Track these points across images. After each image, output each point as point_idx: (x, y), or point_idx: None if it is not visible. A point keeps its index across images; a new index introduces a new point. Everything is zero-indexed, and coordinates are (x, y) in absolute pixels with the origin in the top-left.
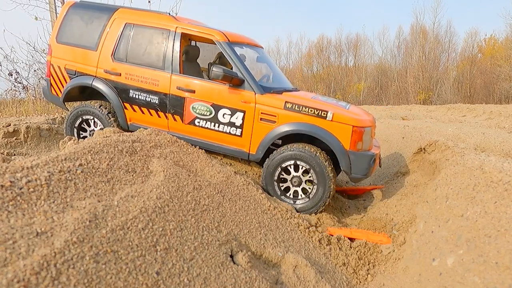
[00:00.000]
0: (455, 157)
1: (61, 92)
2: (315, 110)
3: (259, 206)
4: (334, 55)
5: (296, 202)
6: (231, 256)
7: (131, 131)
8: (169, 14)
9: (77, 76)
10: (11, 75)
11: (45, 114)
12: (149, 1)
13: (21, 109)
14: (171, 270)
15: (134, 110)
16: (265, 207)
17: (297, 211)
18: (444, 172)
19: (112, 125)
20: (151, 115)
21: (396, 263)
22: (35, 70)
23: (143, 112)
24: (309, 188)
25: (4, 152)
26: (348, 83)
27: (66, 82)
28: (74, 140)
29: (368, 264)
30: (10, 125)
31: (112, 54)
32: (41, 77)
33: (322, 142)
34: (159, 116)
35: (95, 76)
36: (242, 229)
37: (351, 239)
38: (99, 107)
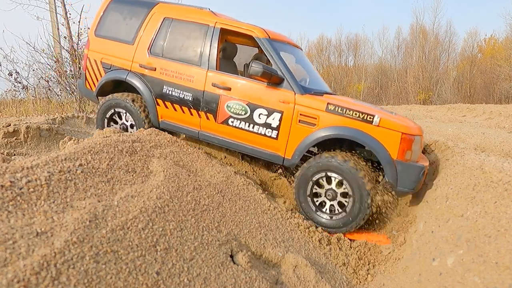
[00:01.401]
0: (455, 157)
1: (95, 86)
2: (360, 114)
3: (259, 206)
4: (334, 55)
5: (333, 218)
6: (231, 256)
7: (162, 129)
8: (209, 9)
9: (112, 70)
10: (11, 75)
11: (45, 114)
12: None
13: (21, 109)
14: (171, 270)
15: (166, 107)
16: (265, 207)
17: (333, 228)
18: (444, 172)
19: (143, 121)
20: (183, 112)
21: (396, 263)
22: (34, 70)
23: (175, 109)
24: (345, 201)
25: (4, 152)
26: (348, 83)
27: (101, 76)
28: (74, 140)
29: (368, 264)
30: (10, 125)
31: (148, 49)
32: (41, 77)
33: (364, 150)
34: (191, 114)
35: (130, 71)
36: (242, 229)
37: (351, 239)
38: (132, 101)
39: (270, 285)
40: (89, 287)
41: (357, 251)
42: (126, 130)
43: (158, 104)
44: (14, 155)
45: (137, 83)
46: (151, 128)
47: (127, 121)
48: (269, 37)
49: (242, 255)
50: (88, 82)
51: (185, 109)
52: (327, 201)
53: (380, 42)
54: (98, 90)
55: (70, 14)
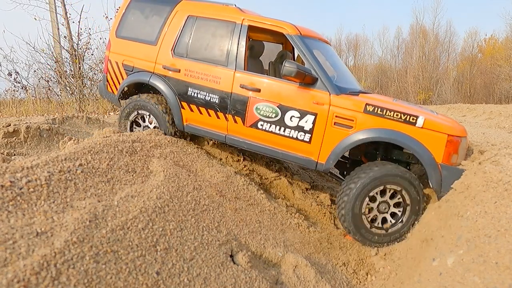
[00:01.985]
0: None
1: (117, 89)
2: (402, 115)
3: (259, 206)
4: None
5: (389, 231)
6: (231, 256)
7: (187, 133)
8: (235, 5)
9: (134, 73)
10: (11, 75)
11: (45, 114)
12: None
13: (21, 109)
14: (171, 270)
15: (192, 110)
16: (265, 207)
17: (388, 241)
18: None
19: (167, 124)
20: (210, 116)
21: (396, 263)
22: (35, 70)
23: (201, 113)
24: (398, 211)
25: (4, 152)
26: None
27: (123, 79)
28: (74, 140)
29: (369, 263)
30: (10, 125)
31: (172, 49)
32: (41, 77)
33: (400, 154)
34: (218, 118)
35: (153, 73)
36: (242, 229)
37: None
38: (156, 103)
39: (270, 285)
40: (89, 287)
41: (357, 251)
42: None
43: (183, 107)
44: (14, 155)
45: (160, 85)
46: (151, 128)
47: (150, 124)
48: (301, 33)
49: (242, 255)
50: (110, 85)
51: (212, 112)
52: (379, 214)
53: (380, 42)
54: (120, 93)
55: (70, 14)
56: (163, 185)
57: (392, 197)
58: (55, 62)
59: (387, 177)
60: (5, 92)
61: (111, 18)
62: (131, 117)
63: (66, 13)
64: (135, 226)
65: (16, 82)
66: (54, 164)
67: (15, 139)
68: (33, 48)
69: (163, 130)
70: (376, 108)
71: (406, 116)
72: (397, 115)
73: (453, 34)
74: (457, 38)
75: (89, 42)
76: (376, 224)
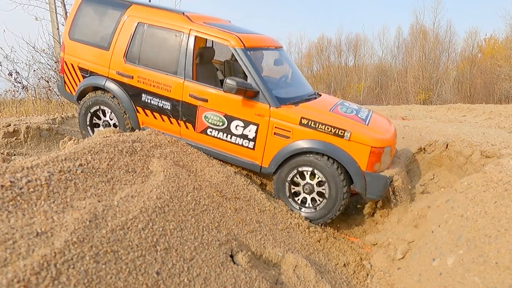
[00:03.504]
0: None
1: (74, 90)
2: (332, 128)
3: (259, 206)
4: (334, 55)
5: (302, 210)
6: (231, 256)
7: None
8: (184, 13)
9: (90, 76)
10: (11, 75)
11: (45, 114)
12: (149, 1)
13: (21, 109)
14: (171, 270)
15: (147, 115)
16: (265, 207)
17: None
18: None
19: (126, 121)
20: (163, 121)
21: (396, 263)
22: (35, 70)
23: (155, 117)
24: (319, 200)
25: (4, 152)
26: (348, 83)
27: (80, 81)
28: (74, 140)
29: (369, 264)
30: (10, 125)
31: (124, 55)
32: (41, 77)
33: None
34: (171, 123)
35: (108, 77)
36: (242, 229)
37: (351, 240)
38: (118, 103)
39: (270, 285)
40: (89, 287)
41: (357, 252)
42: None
43: (138, 112)
44: (14, 155)
45: (115, 90)
46: (151, 128)
47: (111, 119)
48: (245, 46)
49: (242, 255)
50: (67, 86)
51: (165, 117)
52: (302, 193)
53: (380, 42)
54: (78, 95)
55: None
56: (163, 185)
57: (313, 179)
58: (55, 62)
59: (318, 164)
60: (5, 92)
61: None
62: (93, 110)
63: (66, 13)
64: (135, 226)
65: (16, 82)
66: (54, 164)
67: (15, 139)
68: (33, 48)
69: (121, 127)
70: (310, 122)
71: (335, 129)
72: (327, 128)
73: (453, 34)
74: (457, 38)
75: None
76: (296, 199)
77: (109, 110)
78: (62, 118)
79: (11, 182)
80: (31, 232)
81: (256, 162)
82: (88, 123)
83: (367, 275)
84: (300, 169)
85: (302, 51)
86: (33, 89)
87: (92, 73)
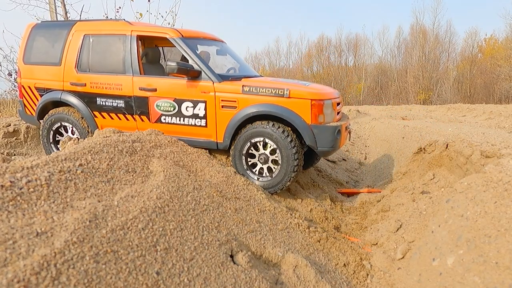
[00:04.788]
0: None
1: (34, 110)
2: (272, 90)
3: (259, 206)
4: (334, 55)
5: (260, 179)
6: (231, 256)
7: None
8: (124, 20)
9: (46, 93)
10: (11, 75)
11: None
12: (149, 0)
13: None
14: (171, 270)
15: (104, 117)
16: (265, 207)
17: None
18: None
19: (86, 131)
20: (120, 119)
21: (396, 263)
22: (17, 83)
23: (112, 118)
24: (274, 168)
25: (4, 152)
26: (348, 83)
27: (38, 100)
28: (74, 140)
29: (369, 264)
30: (10, 125)
31: (75, 66)
32: None
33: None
34: (127, 119)
35: (63, 90)
36: (242, 229)
37: (352, 240)
38: (72, 114)
39: (270, 285)
40: (89, 287)
41: (357, 252)
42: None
43: (95, 116)
44: (14, 155)
45: (72, 100)
46: (151, 128)
47: (73, 134)
48: (182, 36)
49: (242, 255)
50: (28, 109)
51: (121, 115)
52: (258, 164)
53: (380, 42)
54: (38, 113)
55: (70, 14)
56: (163, 185)
57: (266, 149)
58: None
59: (266, 132)
60: (5, 92)
61: (111, 18)
62: (54, 127)
63: (66, 13)
64: (135, 226)
65: (16, 82)
66: (54, 164)
67: (15, 139)
68: None
69: (82, 137)
70: (251, 88)
71: (275, 90)
72: (268, 90)
73: (453, 34)
74: (457, 38)
75: None
76: (253, 170)
77: (70, 126)
78: None
79: (11, 182)
80: (31, 232)
81: (211, 139)
82: (51, 140)
83: (367, 275)
84: (252, 140)
85: (302, 51)
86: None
87: (48, 90)
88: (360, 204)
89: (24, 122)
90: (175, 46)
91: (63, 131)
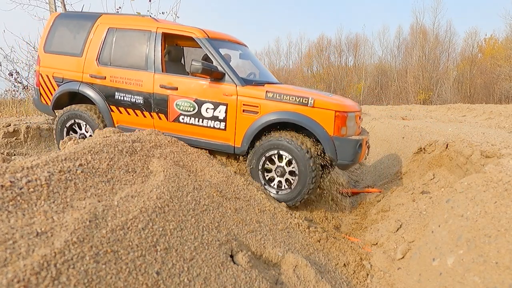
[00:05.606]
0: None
1: (50, 100)
2: (296, 98)
3: (259, 206)
4: (334, 55)
5: (279, 193)
6: (231, 256)
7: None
8: (150, 16)
9: (64, 83)
10: (11, 75)
11: (45, 114)
12: (149, 0)
13: (21, 109)
14: (171, 270)
15: (120, 112)
16: (265, 207)
17: (279, 201)
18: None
19: (99, 127)
20: (137, 115)
21: (396, 263)
22: (35, 70)
23: (128, 113)
24: (292, 179)
25: (4, 152)
26: (348, 83)
27: (55, 90)
28: (74, 140)
29: (369, 264)
30: (10, 125)
31: (96, 59)
32: None
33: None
34: (144, 116)
35: (82, 82)
36: (242, 229)
37: (352, 240)
38: (86, 111)
39: (270, 285)
40: (89, 287)
41: (357, 252)
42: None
43: (112, 110)
44: (14, 155)
45: (89, 92)
46: (151, 128)
47: (86, 132)
48: (208, 36)
49: (242, 255)
50: (43, 97)
51: (138, 112)
52: (276, 177)
53: (380, 42)
54: (54, 103)
55: None
56: (163, 185)
57: (281, 161)
58: None
59: (280, 143)
60: (5, 92)
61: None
62: (68, 125)
63: None
64: (135, 226)
65: (16, 82)
66: (54, 164)
67: (15, 139)
68: (33, 48)
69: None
70: (275, 94)
71: (299, 98)
72: (292, 98)
73: (453, 34)
74: (457, 38)
75: None
76: (272, 184)
77: (84, 123)
78: None
79: (11, 182)
80: (31, 232)
81: (229, 143)
82: (65, 131)
83: (367, 275)
84: (267, 154)
85: (302, 51)
86: (33, 89)
87: (66, 80)
88: (360, 204)
89: (25, 123)
90: (200, 47)
91: (77, 129)
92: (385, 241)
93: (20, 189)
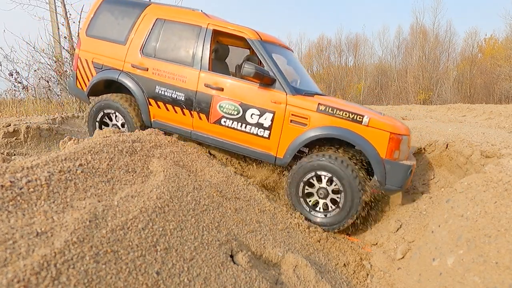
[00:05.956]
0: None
1: (86, 86)
2: (350, 114)
3: (259, 206)
4: (334, 55)
5: (311, 212)
6: (231, 256)
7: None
8: (201, 11)
9: (103, 70)
10: (11, 75)
11: (45, 114)
12: (149, 0)
13: (21, 109)
14: (171, 270)
15: (159, 107)
16: (265, 207)
17: (328, 226)
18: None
19: (133, 120)
20: (176, 112)
21: (396, 263)
22: (35, 70)
23: (167, 109)
24: (331, 207)
25: (4, 152)
26: (348, 83)
27: (92, 76)
28: (74, 140)
29: (368, 264)
30: (10, 125)
31: (140, 49)
32: (41, 77)
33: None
34: (183, 114)
35: (122, 71)
36: (242, 229)
37: (352, 240)
38: (121, 102)
39: (270, 285)
40: (89, 287)
41: (357, 252)
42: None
43: (150, 104)
44: (14, 155)
45: (129, 83)
46: (151, 128)
47: (117, 121)
48: (261, 38)
49: (242, 255)
50: (79, 82)
51: (178, 109)
52: (319, 200)
53: (380, 42)
54: (90, 90)
55: (70, 14)
56: (163, 185)
57: (329, 185)
58: (55, 62)
59: (316, 164)
60: (5, 92)
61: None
62: (98, 118)
63: (66, 13)
64: (135, 226)
65: (16, 82)
66: (54, 164)
67: (15, 139)
68: (33, 48)
69: (129, 126)
70: (328, 108)
71: (354, 115)
72: (345, 114)
73: (453, 34)
74: (457, 38)
75: None
76: (317, 208)
77: (118, 114)
78: (62, 118)
79: (11, 182)
80: (31, 232)
81: (270, 153)
82: (98, 121)
83: (367, 275)
84: (318, 172)
85: (302, 51)
86: (33, 89)
87: (106, 67)
88: None
89: (25, 123)
90: (252, 48)
91: (113, 118)
92: (385, 241)
93: (20, 189)
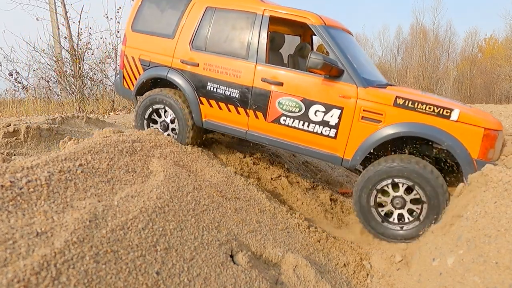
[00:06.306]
0: None
1: (133, 85)
2: (436, 108)
3: (259, 206)
4: None
5: (405, 228)
6: (231, 256)
7: (205, 129)
8: None
9: (151, 67)
10: (11, 75)
11: (45, 114)
12: None
13: (21, 109)
14: (171, 270)
15: (211, 106)
16: (265, 207)
17: (403, 239)
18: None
19: (186, 117)
20: (230, 111)
21: (396, 264)
22: (35, 70)
23: (220, 108)
24: (408, 218)
25: (4, 152)
26: None
27: (140, 74)
28: (74, 140)
29: (368, 264)
30: (10, 125)
31: (190, 42)
32: (41, 77)
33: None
34: (238, 113)
35: (171, 67)
36: (242, 229)
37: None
38: (174, 97)
39: (270, 285)
40: (89, 287)
41: (357, 252)
42: (167, 128)
43: (201, 103)
44: (14, 155)
45: (178, 80)
46: (151, 128)
47: (166, 117)
48: (325, 23)
49: (242, 255)
50: (126, 81)
51: (232, 107)
52: (394, 210)
53: (380, 42)
54: (137, 89)
55: (70, 14)
56: (163, 185)
57: (409, 193)
58: (55, 62)
59: (393, 171)
60: (5, 92)
61: (111, 18)
62: (147, 114)
63: (66, 13)
64: (135, 226)
65: (16, 82)
66: (54, 164)
67: (15, 139)
68: (33, 48)
69: (181, 123)
70: (407, 101)
71: (439, 109)
72: (429, 108)
73: (453, 34)
74: (457, 38)
75: (89, 42)
76: (391, 219)
77: (170, 111)
78: (62, 118)
79: (11, 182)
80: (31, 232)
81: (337, 154)
82: (146, 117)
83: (367, 275)
84: (396, 180)
85: None
86: (33, 89)
87: (153, 64)
88: None
89: (25, 123)
90: (316, 35)
91: (162, 114)
92: (385, 241)
93: (20, 189)
